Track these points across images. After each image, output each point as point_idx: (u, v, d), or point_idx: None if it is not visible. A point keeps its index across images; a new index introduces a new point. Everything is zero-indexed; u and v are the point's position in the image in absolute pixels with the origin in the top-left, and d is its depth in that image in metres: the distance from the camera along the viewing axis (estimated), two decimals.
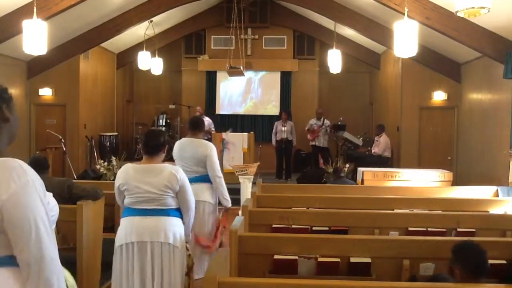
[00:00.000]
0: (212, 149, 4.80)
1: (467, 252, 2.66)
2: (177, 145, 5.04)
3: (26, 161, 4.40)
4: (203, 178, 4.83)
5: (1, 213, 1.55)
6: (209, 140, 10.06)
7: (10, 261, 1.60)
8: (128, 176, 3.38)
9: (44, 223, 1.61)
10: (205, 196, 4.81)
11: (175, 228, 3.40)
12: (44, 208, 1.62)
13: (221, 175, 4.79)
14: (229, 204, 4.81)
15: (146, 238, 3.32)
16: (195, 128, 4.97)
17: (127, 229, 3.36)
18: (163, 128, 12.48)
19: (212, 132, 10.60)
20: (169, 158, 3.80)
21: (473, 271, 2.59)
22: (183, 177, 3.44)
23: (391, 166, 9.67)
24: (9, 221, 1.55)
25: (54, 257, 1.62)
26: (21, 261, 1.58)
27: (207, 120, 11.07)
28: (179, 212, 3.49)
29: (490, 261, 2.82)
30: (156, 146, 3.44)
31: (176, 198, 3.43)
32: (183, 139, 5.14)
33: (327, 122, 11.20)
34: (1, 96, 1.70)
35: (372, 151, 10.11)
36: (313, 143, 11.28)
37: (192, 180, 4.82)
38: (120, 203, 3.57)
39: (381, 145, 9.83)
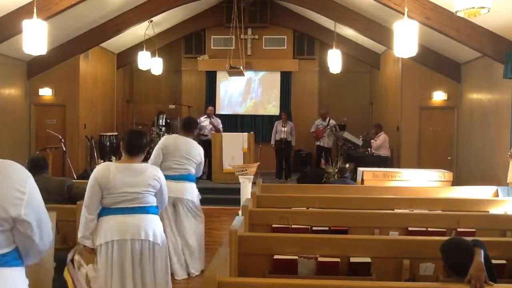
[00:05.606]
0: (203, 153, 5.24)
1: (450, 249, 2.64)
2: (169, 141, 5.14)
3: (25, 161, 4.37)
4: (190, 177, 5.13)
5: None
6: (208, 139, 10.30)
7: (15, 256, 1.66)
8: (111, 175, 3.33)
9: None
10: (190, 195, 5.07)
11: (154, 225, 3.43)
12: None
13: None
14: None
15: (127, 236, 3.32)
16: (188, 128, 5.24)
17: (107, 228, 3.32)
18: (163, 128, 12.47)
19: (212, 132, 10.57)
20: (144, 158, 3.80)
21: (455, 268, 2.58)
22: (162, 176, 3.55)
23: (391, 166, 9.66)
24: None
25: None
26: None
27: (216, 120, 11.07)
28: (157, 209, 3.54)
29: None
30: (140, 146, 3.47)
31: (155, 196, 3.50)
32: (176, 136, 5.29)
33: (332, 122, 11.21)
34: None
35: (370, 150, 10.09)
36: (318, 143, 11.34)
37: (180, 178, 5.03)
38: (91, 200, 3.33)
39: (376, 142, 9.79)
